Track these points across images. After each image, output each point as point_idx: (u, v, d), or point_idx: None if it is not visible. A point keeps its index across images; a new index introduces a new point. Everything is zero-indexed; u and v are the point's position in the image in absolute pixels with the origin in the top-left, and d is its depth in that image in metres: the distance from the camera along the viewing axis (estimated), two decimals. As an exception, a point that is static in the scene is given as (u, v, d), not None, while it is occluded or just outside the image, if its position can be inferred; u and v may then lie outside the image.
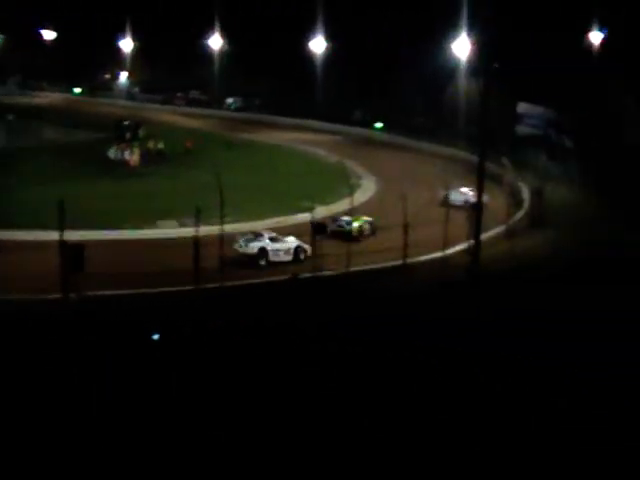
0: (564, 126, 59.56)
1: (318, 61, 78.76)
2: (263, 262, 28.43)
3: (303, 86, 76.80)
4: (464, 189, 41.33)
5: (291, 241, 29.44)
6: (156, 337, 15.08)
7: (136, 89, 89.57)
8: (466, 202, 39.06)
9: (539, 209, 40.29)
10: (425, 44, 64.50)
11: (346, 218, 34.03)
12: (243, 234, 29.30)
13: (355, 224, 33.48)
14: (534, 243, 34.54)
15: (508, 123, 62.69)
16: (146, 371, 12.69)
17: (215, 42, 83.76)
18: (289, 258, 29.11)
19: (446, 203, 38.77)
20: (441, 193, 41.35)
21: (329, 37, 77.50)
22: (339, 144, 64.28)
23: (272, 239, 29.14)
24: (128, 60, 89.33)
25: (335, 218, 33.95)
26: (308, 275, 25.40)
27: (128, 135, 53.80)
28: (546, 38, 60.39)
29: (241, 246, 28.40)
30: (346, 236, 32.31)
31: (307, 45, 78.40)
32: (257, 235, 29.05)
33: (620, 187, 45.22)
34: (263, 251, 28.46)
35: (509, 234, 35.23)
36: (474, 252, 28.74)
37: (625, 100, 57.87)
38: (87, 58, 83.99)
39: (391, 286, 24.57)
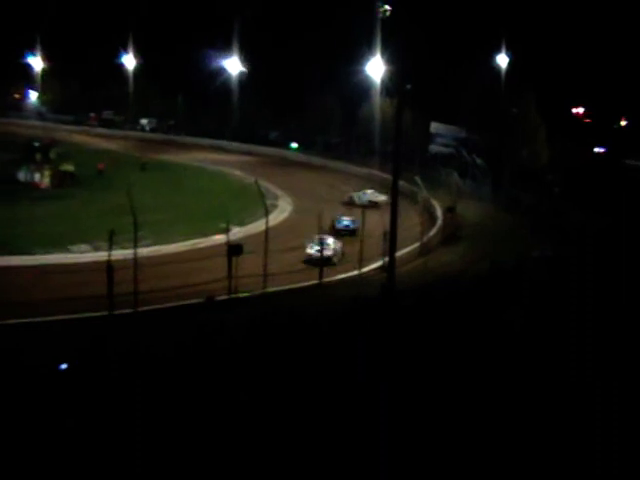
0: (475, 145, 61.28)
1: (234, 81, 78.76)
2: (336, 259, 33.55)
3: (219, 107, 76.70)
4: (368, 190, 47.85)
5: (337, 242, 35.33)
6: (64, 367, 14.55)
7: (44, 108, 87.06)
8: (369, 202, 45.60)
9: (451, 226, 41.42)
10: (340, 66, 65.46)
11: (348, 218, 39.46)
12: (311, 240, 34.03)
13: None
14: (447, 259, 35.40)
15: (421, 142, 64.19)
16: (53, 403, 12.32)
17: (129, 61, 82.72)
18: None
19: (350, 203, 45.82)
20: (346, 194, 47.89)
21: (244, 57, 77.69)
22: (255, 164, 64.35)
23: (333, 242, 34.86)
24: (38, 79, 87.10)
25: (339, 220, 39.06)
26: (224, 297, 25.21)
27: (39, 156, 52.46)
28: (457, 60, 62.34)
29: (319, 250, 32.29)
30: (351, 233, 37.10)
31: (223, 65, 78.32)
32: (322, 240, 33.07)
33: (528, 204, 46.94)
34: (335, 251, 33.95)
35: (423, 251, 35.98)
36: (389, 269, 29.16)
37: (534, 120, 60.06)
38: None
39: (307, 306, 24.68)
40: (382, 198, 44.65)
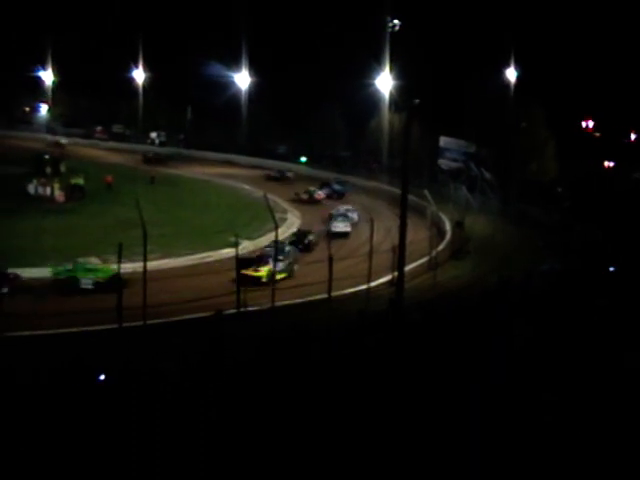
0: (484, 159, 61.25)
1: (243, 95, 79.10)
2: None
3: (228, 120, 76.97)
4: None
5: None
6: (102, 378, 14.49)
7: (54, 122, 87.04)
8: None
9: (460, 240, 41.35)
10: (350, 79, 65.61)
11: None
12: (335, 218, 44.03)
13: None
14: (455, 273, 35.33)
15: (430, 156, 64.23)
16: (97, 415, 12.28)
17: (139, 75, 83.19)
18: None
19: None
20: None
21: (253, 71, 78.02)
22: (264, 178, 64.42)
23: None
24: (49, 92, 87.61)
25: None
26: (233, 311, 25.18)
27: (49, 170, 52.73)
28: (466, 74, 62.43)
29: (337, 227, 42.15)
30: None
31: (232, 79, 78.68)
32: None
33: (536, 218, 46.88)
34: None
35: (432, 265, 35.87)
36: (398, 284, 29.08)
37: (543, 134, 60.04)
38: (5, 90, 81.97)
39: (316, 320, 24.63)
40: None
